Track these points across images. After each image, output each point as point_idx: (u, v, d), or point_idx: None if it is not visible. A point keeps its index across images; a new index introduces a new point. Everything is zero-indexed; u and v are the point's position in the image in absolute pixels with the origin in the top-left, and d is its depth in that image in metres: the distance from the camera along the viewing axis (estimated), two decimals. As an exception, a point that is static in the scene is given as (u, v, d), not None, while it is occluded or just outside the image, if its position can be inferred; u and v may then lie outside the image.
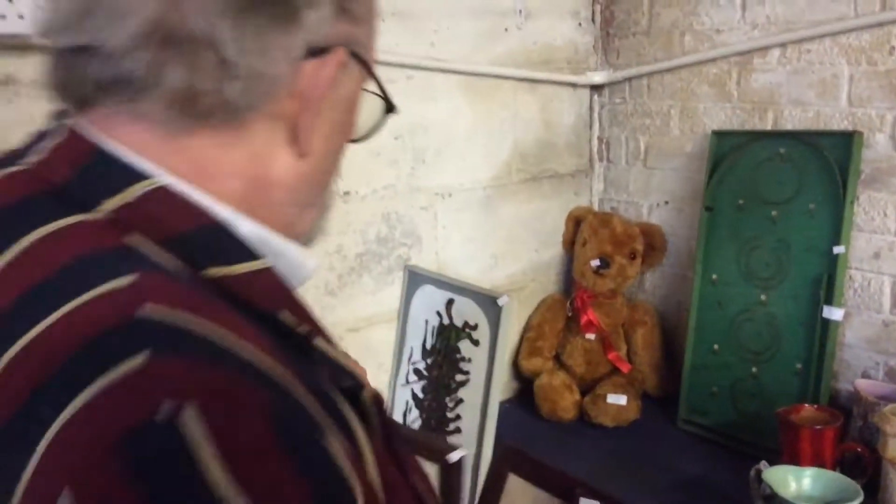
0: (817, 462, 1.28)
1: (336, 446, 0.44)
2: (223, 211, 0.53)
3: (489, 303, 1.48)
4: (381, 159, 1.62)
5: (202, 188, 0.52)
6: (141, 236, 0.49)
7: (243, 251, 0.53)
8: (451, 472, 1.24)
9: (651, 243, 1.86)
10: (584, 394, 1.78)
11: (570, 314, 1.89)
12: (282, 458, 0.41)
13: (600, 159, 2.00)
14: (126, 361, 0.41)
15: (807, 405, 1.39)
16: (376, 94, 0.61)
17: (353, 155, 1.45)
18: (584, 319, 1.84)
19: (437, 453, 1.24)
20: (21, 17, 1.06)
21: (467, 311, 1.53)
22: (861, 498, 1.11)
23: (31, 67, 1.19)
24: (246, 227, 0.54)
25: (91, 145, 0.52)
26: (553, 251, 1.97)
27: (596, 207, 2.02)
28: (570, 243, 1.94)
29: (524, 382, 1.88)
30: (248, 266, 0.53)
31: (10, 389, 0.44)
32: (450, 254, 1.77)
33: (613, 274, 1.83)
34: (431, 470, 1.26)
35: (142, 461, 0.38)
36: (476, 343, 1.50)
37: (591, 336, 1.84)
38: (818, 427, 1.31)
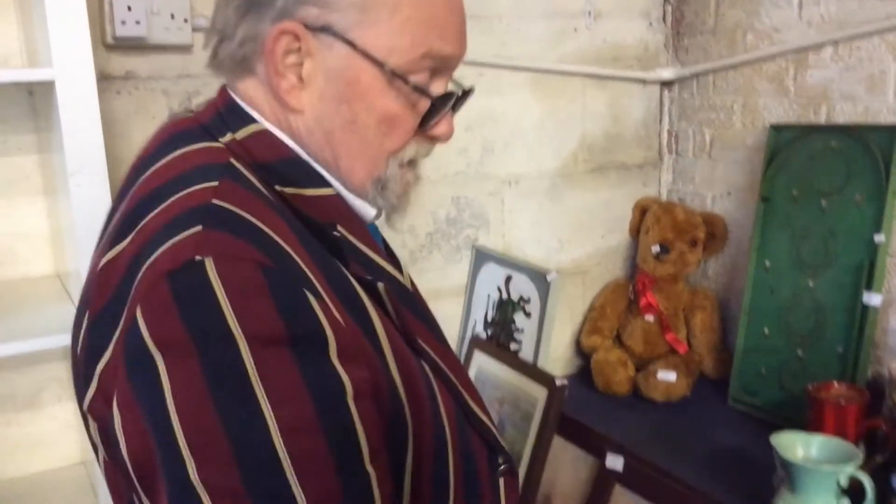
0: (840, 436, 1.35)
1: (316, 302, 0.62)
2: (301, 152, 0.75)
3: (540, 279, 1.62)
4: (451, 148, 1.78)
5: (289, 134, 0.75)
6: (243, 161, 0.72)
7: (317, 179, 0.75)
8: (555, 395, 1.48)
9: (712, 232, 1.94)
10: (640, 371, 1.89)
11: (631, 297, 1.99)
12: (266, 299, 0.60)
13: (669, 152, 2.10)
14: (188, 231, 0.63)
15: (836, 383, 1.46)
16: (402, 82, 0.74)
17: None
18: (643, 302, 1.94)
19: (546, 380, 1.50)
20: (138, 22, 1.29)
21: (522, 286, 1.67)
22: (859, 460, 1.18)
23: (147, 64, 1.42)
24: (316, 165, 0.76)
25: (228, 97, 0.76)
26: (619, 238, 2.08)
27: (664, 198, 2.12)
28: (636, 231, 2.04)
29: (585, 360, 2.00)
30: (317, 191, 0.74)
31: (120, 262, 0.67)
32: (516, 236, 1.92)
33: (673, 259, 1.92)
34: (541, 394, 1.50)
35: (178, 287, 0.60)
36: (528, 315, 1.65)
37: (649, 317, 1.94)
38: (842, 402, 1.39)
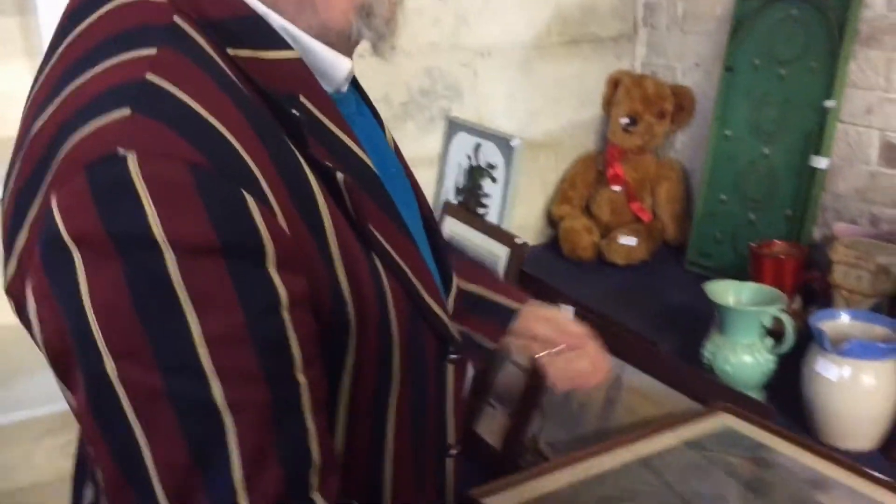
0: (778, 288, 1.46)
1: (256, 206, 0.57)
2: (259, 6, 0.65)
3: (506, 145, 1.70)
4: (424, 18, 1.83)
5: None
6: (188, 18, 0.62)
7: (276, 39, 0.65)
8: (516, 252, 1.57)
9: (681, 104, 2.00)
10: (605, 238, 1.99)
11: (601, 168, 2.07)
12: (196, 204, 0.55)
13: (644, 24, 2.13)
14: (113, 113, 0.56)
15: (778, 241, 1.56)
16: None
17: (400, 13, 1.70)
18: (611, 172, 2.02)
19: (508, 240, 1.58)
20: None
21: (490, 153, 1.75)
22: (782, 304, 1.29)
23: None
24: (277, 22, 0.65)
25: None
26: (592, 111, 2.14)
27: (638, 71, 2.16)
28: (608, 104, 2.10)
29: (556, 229, 2.09)
30: (277, 53, 0.64)
31: (47, 130, 0.61)
32: (489, 108, 1.98)
33: (641, 131, 1.99)
34: (503, 252, 1.58)
35: (96, 182, 0.55)
36: (494, 181, 1.74)
37: (616, 188, 2.03)
38: (781, 256, 1.49)
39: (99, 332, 0.55)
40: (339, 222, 0.65)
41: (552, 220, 2.12)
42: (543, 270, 1.85)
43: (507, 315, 1.08)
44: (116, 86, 0.58)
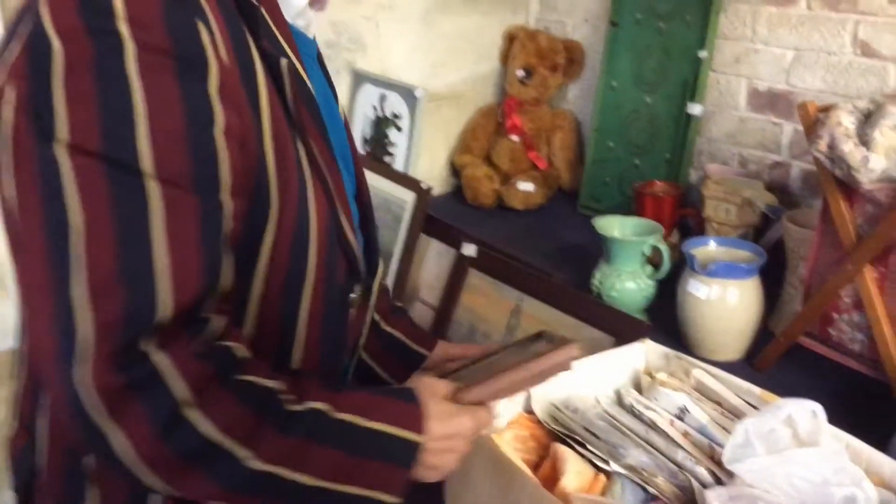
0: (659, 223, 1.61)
1: (207, 36, 0.66)
2: None
3: (410, 95, 1.79)
4: (327, -27, 1.89)
5: None
6: None
7: None
8: (422, 197, 1.64)
9: (571, 57, 2.13)
10: (504, 185, 2.12)
11: (500, 119, 2.19)
12: (160, 16, 0.65)
13: (537, -18, 2.25)
14: None
15: (658, 182, 1.71)
16: None
17: None
18: (509, 123, 2.14)
19: (414, 185, 1.64)
20: None
21: (395, 103, 1.84)
22: (660, 234, 1.44)
23: None
24: None
25: None
26: (491, 65, 2.25)
27: (532, 26, 2.28)
28: (505, 58, 2.21)
29: (460, 178, 2.21)
30: None
31: None
32: (393, 61, 2.06)
33: (536, 84, 2.11)
34: (409, 197, 1.65)
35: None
36: (400, 130, 1.83)
37: (514, 137, 2.15)
38: (660, 195, 1.64)
39: (63, 109, 0.63)
40: (275, 105, 0.73)
41: (455, 170, 2.23)
42: (448, 216, 1.96)
43: (418, 360, 1.11)
44: None
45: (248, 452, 0.66)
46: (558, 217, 2.02)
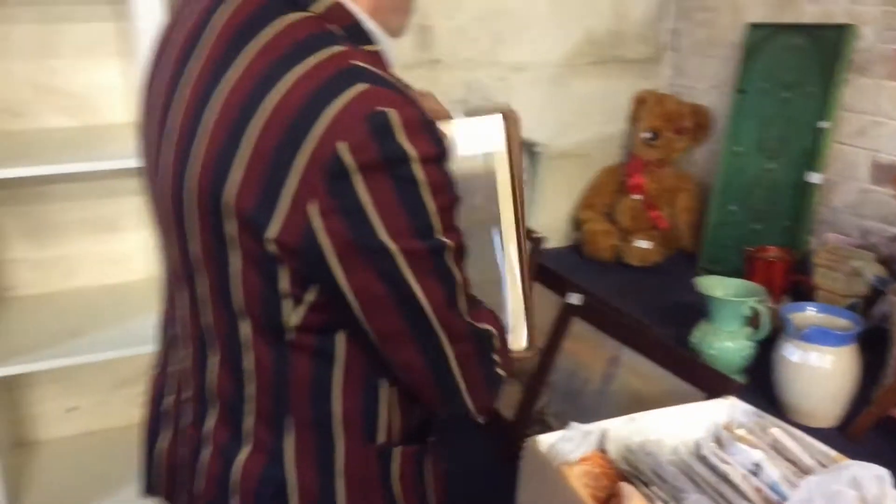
0: (768, 288, 1.63)
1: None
2: (362, 16, 0.91)
3: (531, 151, 1.89)
4: (465, 36, 2.04)
5: (356, 3, 0.91)
6: (331, 26, 0.88)
7: (370, 39, 0.93)
8: (536, 246, 1.69)
9: (699, 122, 2.18)
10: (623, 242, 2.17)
11: (623, 178, 2.26)
12: (425, 129, 0.82)
13: (670, 48, 2.31)
14: (355, 86, 0.80)
15: (772, 247, 1.72)
16: None
17: (443, 32, 1.99)
18: (631, 182, 2.20)
19: (527, 233, 1.73)
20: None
21: (518, 157, 1.95)
22: (761, 296, 1.46)
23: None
24: (369, 25, 0.93)
25: None
26: (618, 126, 2.33)
27: (662, 91, 2.34)
28: (633, 120, 2.29)
29: (580, 233, 2.28)
30: (372, 47, 0.93)
31: (286, 108, 0.81)
32: (523, 119, 2.17)
33: (661, 145, 2.17)
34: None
35: (375, 126, 0.79)
36: (521, 182, 1.93)
37: (637, 196, 2.21)
38: (771, 259, 1.66)
39: (379, 223, 0.82)
40: None
41: (577, 224, 2.31)
42: (565, 268, 2.04)
43: None
44: (339, 70, 0.83)
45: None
46: (674, 276, 2.05)
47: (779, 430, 1.14)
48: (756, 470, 1.10)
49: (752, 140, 1.95)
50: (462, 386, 0.98)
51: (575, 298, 1.67)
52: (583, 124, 2.28)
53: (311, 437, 0.99)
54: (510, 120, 1.26)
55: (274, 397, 0.98)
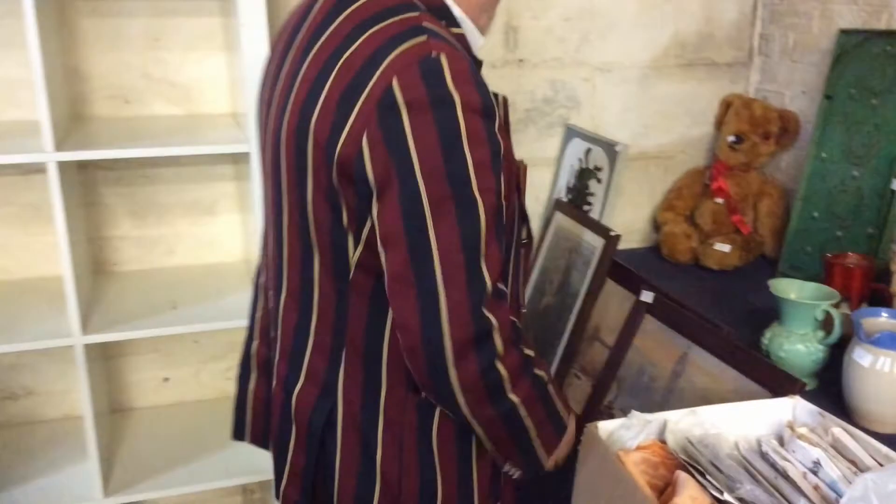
0: (846, 294, 1.61)
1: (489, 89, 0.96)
2: (451, 3, 1.04)
3: (611, 149, 1.92)
4: (552, 36, 2.08)
5: None
6: (418, 2, 1.00)
7: (456, 21, 1.05)
8: (610, 243, 1.79)
9: (786, 127, 2.16)
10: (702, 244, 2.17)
11: (707, 182, 2.25)
12: (473, 82, 0.92)
13: (759, 53, 2.30)
14: (417, 38, 0.93)
15: (852, 254, 1.70)
16: None
17: (530, 31, 2.06)
18: (715, 185, 2.20)
19: (604, 231, 1.81)
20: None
21: (598, 157, 1.98)
22: (835, 299, 1.45)
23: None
24: (456, 11, 1.05)
25: None
26: (704, 129, 2.32)
27: (751, 95, 2.33)
28: (720, 123, 2.28)
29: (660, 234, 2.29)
30: (458, 29, 1.05)
31: (359, 56, 0.95)
32: (605, 119, 2.21)
33: (746, 150, 2.16)
34: (599, 243, 1.82)
35: (426, 69, 0.91)
36: (599, 181, 1.96)
37: (719, 200, 2.20)
38: (850, 266, 1.64)
39: (416, 160, 0.90)
40: (502, 131, 1.03)
41: (657, 226, 2.32)
42: (643, 267, 2.06)
43: None
44: (407, 27, 0.95)
45: (512, 394, 1.02)
46: (752, 280, 2.04)
47: (840, 430, 1.14)
48: (815, 468, 1.11)
49: (838, 147, 1.93)
50: (450, 361, 0.95)
51: (647, 296, 1.69)
52: (667, 126, 2.29)
53: (361, 375, 1.08)
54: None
55: (332, 334, 1.08)
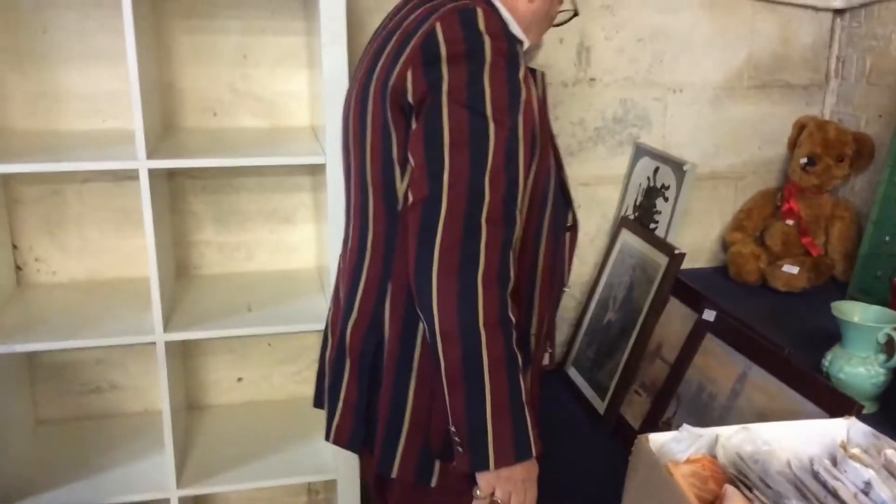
0: (913, 318, 1.59)
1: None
2: (499, 4, 1.18)
3: (678, 168, 1.94)
4: (623, 56, 2.12)
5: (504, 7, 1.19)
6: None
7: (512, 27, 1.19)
8: (674, 260, 1.82)
9: (860, 150, 2.13)
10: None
11: (778, 203, 2.24)
12: (504, 37, 1.11)
13: (835, 76, 2.28)
14: (462, 2, 1.12)
15: (921, 278, 1.69)
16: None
17: (602, 51, 2.12)
18: (785, 207, 2.19)
19: (668, 249, 1.84)
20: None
21: (666, 175, 2.01)
22: (894, 323, 1.44)
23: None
24: (504, 13, 1.18)
25: None
26: (777, 151, 2.31)
27: (826, 118, 2.31)
28: (793, 145, 2.26)
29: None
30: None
31: (413, 22, 1.14)
32: (675, 139, 2.22)
33: (819, 172, 2.15)
34: (663, 261, 1.86)
35: (464, 17, 1.10)
36: (666, 200, 1.98)
37: (790, 222, 2.19)
38: (917, 290, 1.62)
39: (447, 87, 1.06)
40: (534, 93, 1.18)
41: (725, 246, 2.31)
42: (709, 287, 2.06)
43: None
44: (458, 3, 1.13)
45: (484, 331, 1.05)
46: (819, 303, 2.01)
47: (893, 451, 1.14)
48: (867, 489, 1.12)
49: (913, 171, 1.91)
50: (433, 277, 1.05)
51: (709, 315, 1.70)
52: (738, 147, 2.29)
53: (404, 307, 1.18)
54: None
55: (381, 267, 1.20)
